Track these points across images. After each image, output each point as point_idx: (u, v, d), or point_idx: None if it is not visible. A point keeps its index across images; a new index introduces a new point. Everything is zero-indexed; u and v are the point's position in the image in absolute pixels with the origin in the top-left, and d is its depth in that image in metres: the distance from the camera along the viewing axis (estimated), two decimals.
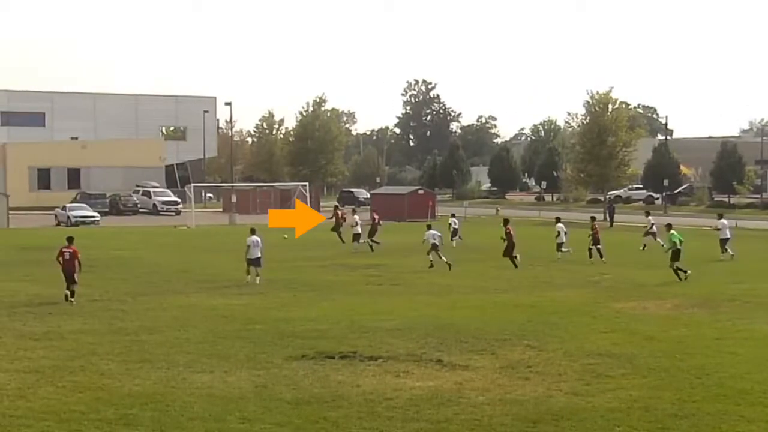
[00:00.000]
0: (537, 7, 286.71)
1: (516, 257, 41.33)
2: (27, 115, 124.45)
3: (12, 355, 20.81)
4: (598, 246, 44.71)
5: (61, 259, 30.32)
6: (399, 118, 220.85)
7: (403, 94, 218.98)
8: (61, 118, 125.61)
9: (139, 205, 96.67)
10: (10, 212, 74.71)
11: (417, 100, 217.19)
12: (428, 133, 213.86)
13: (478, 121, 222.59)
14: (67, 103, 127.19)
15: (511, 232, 42.08)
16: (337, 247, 50.87)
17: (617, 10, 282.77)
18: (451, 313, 27.44)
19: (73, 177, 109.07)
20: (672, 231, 37.75)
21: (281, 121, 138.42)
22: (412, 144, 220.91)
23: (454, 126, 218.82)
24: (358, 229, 51.47)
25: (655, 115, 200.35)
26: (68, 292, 29.51)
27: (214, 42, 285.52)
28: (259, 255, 35.86)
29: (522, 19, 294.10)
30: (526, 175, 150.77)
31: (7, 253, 47.58)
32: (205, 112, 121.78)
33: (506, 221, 43.50)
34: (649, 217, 52.78)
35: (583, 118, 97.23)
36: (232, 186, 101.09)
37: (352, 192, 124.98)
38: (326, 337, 23.23)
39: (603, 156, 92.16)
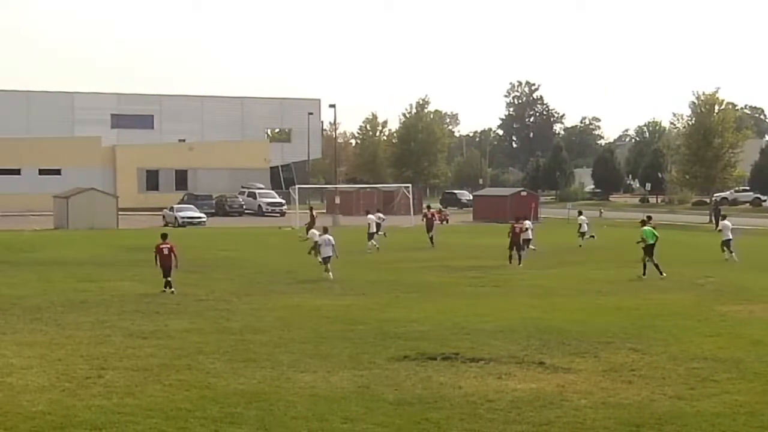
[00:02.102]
0: (639, 7, 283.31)
1: (512, 255, 42.61)
2: (136, 118, 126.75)
3: (121, 353, 21.20)
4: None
5: (158, 255, 32.38)
6: (502, 119, 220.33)
7: (506, 96, 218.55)
8: (168, 120, 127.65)
9: (244, 207, 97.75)
10: (120, 213, 76.16)
11: (520, 101, 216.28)
12: (531, 135, 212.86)
13: (581, 122, 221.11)
14: (175, 105, 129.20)
15: (517, 231, 43.26)
16: (441, 250, 50.78)
17: (724, 9, 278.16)
18: (554, 315, 27.30)
19: (181, 178, 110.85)
20: (645, 227, 38.25)
21: (384, 123, 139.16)
22: (514, 145, 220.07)
23: (557, 127, 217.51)
24: (373, 228, 52.38)
25: (762, 116, 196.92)
26: (165, 282, 31.85)
27: (319, 44, 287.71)
28: (331, 253, 37.34)
29: (626, 19, 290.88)
30: (630, 176, 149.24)
31: (116, 253, 48.53)
32: (310, 114, 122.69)
33: (517, 219, 44.84)
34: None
35: (689, 119, 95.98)
36: (336, 187, 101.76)
37: (454, 194, 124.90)
38: (428, 338, 23.27)
39: (709, 157, 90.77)
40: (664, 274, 37.00)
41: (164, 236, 33.72)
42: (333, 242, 37.71)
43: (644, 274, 37.25)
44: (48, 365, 19.79)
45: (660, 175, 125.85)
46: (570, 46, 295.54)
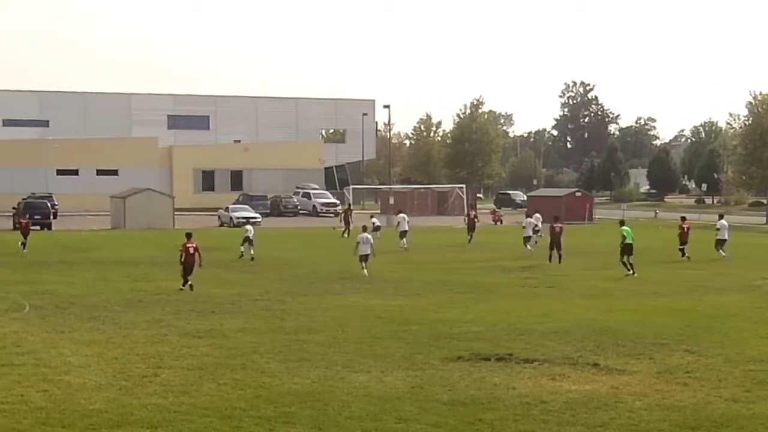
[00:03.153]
0: (696, 6, 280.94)
1: (552, 254, 43.57)
2: (192, 119, 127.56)
3: (176, 353, 21.39)
4: (681, 247, 46.13)
5: (184, 253, 33.33)
6: (556, 120, 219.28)
7: (560, 96, 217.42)
8: (224, 121, 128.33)
9: (299, 207, 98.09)
10: (176, 213, 76.72)
11: (575, 101, 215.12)
12: (586, 135, 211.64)
13: (636, 122, 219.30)
14: (231, 106, 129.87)
15: (557, 230, 44.14)
16: (495, 250, 50.69)
17: None
18: (608, 316, 27.17)
19: (236, 179, 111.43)
20: (624, 227, 39.94)
21: (438, 124, 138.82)
22: (569, 146, 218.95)
23: (612, 128, 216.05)
24: (404, 226, 53.65)
25: None
26: (189, 283, 32.79)
27: (374, 45, 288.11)
28: (369, 252, 38.38)
29: (682, 18, 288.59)
30: (685, 177, 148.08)
31: (172, 254, 48.68)
32: (364, 114, 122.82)
33: (555, 218, 45.74)
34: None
35: (746, 119, 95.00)
36: (390, 188, 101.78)
37: (508, 194, 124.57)
38: (482, 338, 23.26)
39: (766, 158, 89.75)
40: (636, 274, 38.04)
41: (189, 235, 34.44)
42: (371, 241, 38.97)
43: (634, 273, 38.13)
44: (105, 364, 20.02)
45: (716, 175, 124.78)
46: (625, 46, 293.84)
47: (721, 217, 48.48)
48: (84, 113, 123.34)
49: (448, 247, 53.63)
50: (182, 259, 33.51)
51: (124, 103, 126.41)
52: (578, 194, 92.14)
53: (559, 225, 44.49)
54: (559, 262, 42.56)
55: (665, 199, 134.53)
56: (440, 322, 25.97)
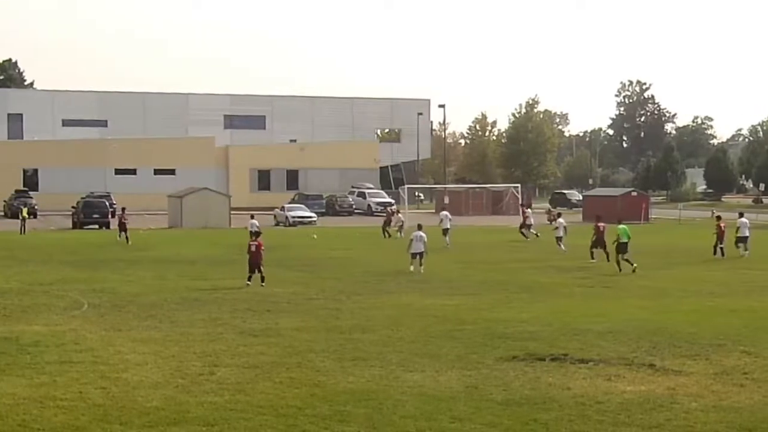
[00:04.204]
0: (751, 4, 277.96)
1: (594, 252, 44.02)
2: (248, 118, 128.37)
3: (232, 351, 21.54)
4: (721, 245, 46.07)
5: (249, 252, 34.32)
6: (612, 119, 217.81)
7: (616, 95, 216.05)
8: (280, 120, 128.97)
9: (354, 206, 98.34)
10: (232, 212, 77.19)
11: (631, 100, 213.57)
12: (642, 134, 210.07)
13: (693, 121, 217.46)
14: (286, 106, 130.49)
15: (601, 229, 44.15)
16: (551, 251, 50.55)
17: None
18: (664, 316, 26.98)
19: (292, 178, 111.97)
20: (620, 226, 41.16)
21: (494, 123, 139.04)
22: (625, 145, 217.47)
23: (668, 127, 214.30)
24: (446, 224, 54.39)
25: None
26: (250, 277, 33.91)
27: (430, 45, 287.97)
28: (423, 249, 39.16)
29: (738, 16, 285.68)
30: (743, 176, 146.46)
31: (228, 252, 49.18)
32: (419, 114, 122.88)
33: (598, 217, 45.78)
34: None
35: None
36: (445, 187, 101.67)
37: (564, 194, 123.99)
38: (537, 338, 23.20)
39: None
40: (630, 270, 38.77)
41: (255, 234, 35.90)
42: (425, 239, 39.45)
43: (633, 271, 38.79)
44: (162, 361, 20.21)
45: None
46: (682, 44, 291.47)
47: (741, 215, 48.71)
48: (142, 113, 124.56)
49: (503, 246, 53.52)
50: (248, 257, 34.53)
51: (181, 102, 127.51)
52: (634, 194, 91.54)
53: (603, 224, 44.53)
54: (608, 260, 42.33)
55: (722, 199, 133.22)
56: (495, 321, 25.94)
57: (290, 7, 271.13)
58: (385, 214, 65.16)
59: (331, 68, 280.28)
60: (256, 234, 35.66)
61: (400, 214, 59.76)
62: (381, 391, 17.56)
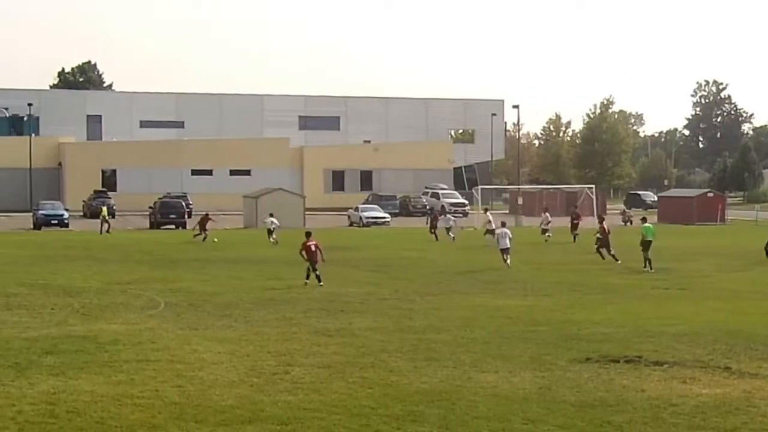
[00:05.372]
0: None
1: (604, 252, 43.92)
2: (323, 119, 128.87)
3: (306, 350, 21.71)
4: None
5: (306, 251, 34.87)
6: (688, 119, 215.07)
7: (692, 95, 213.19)
8: (354, 121, 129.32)
9: (428, 207, 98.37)
10: (306, 213, 77.60)
11: (707, 101, 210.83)
12: (718, 135, 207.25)
13: None
14: (361, 107, 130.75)
15: (606, 230, 44.39)
16: (624, 252, 50.14)
17: None
18: (741, 319, 26.70)
19: (366, 179, 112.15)
20: (646, 224, 42.20)
21: (568, 124, 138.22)
22: (701, 146, 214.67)
23: (745, 127, 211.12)
24: (492, 225, 55.45)
25: None
26: (315, 276, 34.52)
27: (503, 45, 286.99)
28: (509, 245, 41.82)
29: None
30: None
31: None
32: (493, 115, 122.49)
33: (601, 219, 46.57)
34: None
35: None
36: (519, 188, 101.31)
37: (638, 194, 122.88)
38: (611, 340, 23.10)
39: None
40: (653, 270, 39.54)
41: (308, 234, 36.14)
42: (510, 235, 42.37)
43: (650, 269, 39.82)
44: (237, 361, 20.44)
45: None
46: (759, 43, 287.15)
47: None
48: (219, 114, 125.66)
49: (575, 247, 53.20)
50: (305, 257, 34.92)
51: (257, 104, 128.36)
52: (710, 195, 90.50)
53: (607, 225, 45.01)
54: (602, 258, 43.35)
55: None
56: (568, 323, 25.87)
57: (365, 8, 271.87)
58: (431, 217, 64.90)
59: (405, 69, 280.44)
60: (308, 234, 36.02)
61: (488, 214, 59.49)
62: (454, 392, 17.61)
